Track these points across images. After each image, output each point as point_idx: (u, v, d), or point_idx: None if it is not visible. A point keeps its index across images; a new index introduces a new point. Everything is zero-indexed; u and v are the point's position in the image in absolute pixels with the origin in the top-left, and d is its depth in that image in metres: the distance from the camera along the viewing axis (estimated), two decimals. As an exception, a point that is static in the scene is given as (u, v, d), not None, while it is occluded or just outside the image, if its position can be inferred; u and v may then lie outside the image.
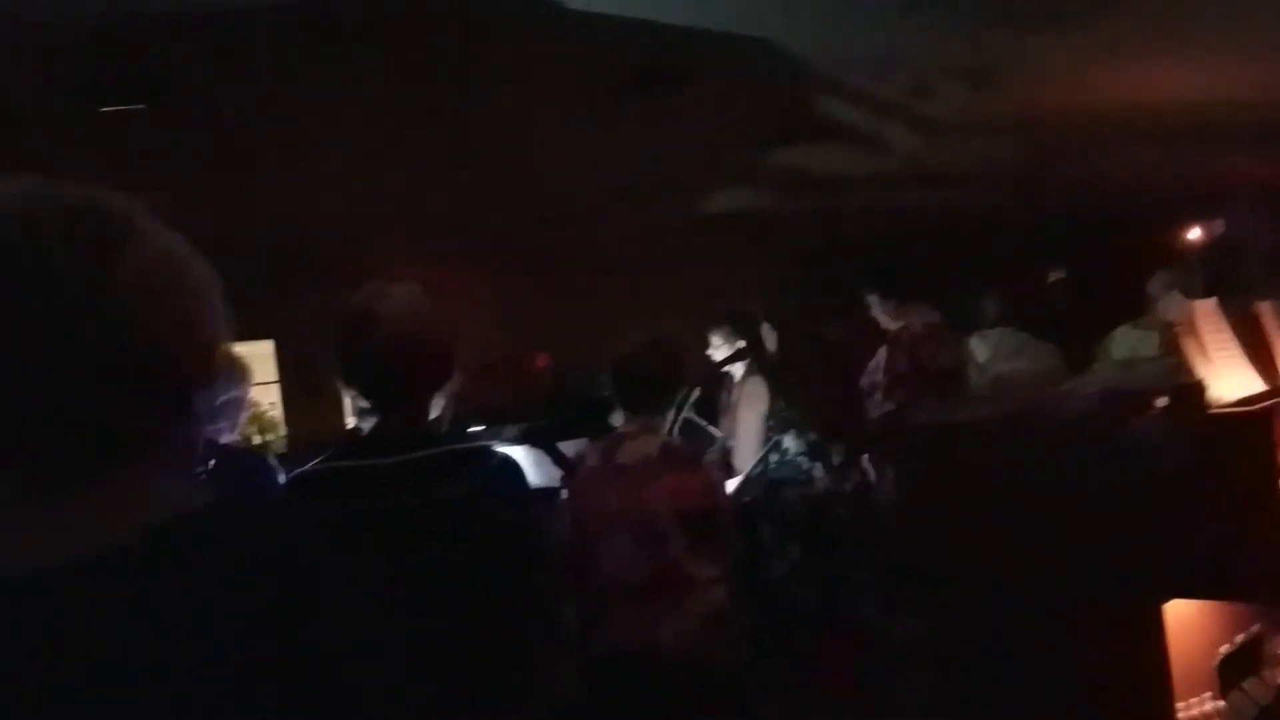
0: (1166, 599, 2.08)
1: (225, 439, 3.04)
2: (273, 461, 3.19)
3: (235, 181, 5.63)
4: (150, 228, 0.96)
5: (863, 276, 4.28)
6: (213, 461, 2.65)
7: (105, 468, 0.93)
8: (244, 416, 3.31)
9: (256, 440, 6.77)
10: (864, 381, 4.08)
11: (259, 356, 7.22)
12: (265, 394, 7.38)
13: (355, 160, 5.84)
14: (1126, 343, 4.41)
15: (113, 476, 0.93)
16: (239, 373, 3.14)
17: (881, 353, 4.01)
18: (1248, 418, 2.12)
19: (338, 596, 0.95)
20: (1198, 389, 2.12)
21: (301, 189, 6.11)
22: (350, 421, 7.31)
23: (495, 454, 2.04)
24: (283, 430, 7.55)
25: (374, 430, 1.99)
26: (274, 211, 6.27)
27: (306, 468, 1.99)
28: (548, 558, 2.19)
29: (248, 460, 3.08)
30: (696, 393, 5.04)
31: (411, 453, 1.91)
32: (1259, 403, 2.23)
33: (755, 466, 4.68)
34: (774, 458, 4.61)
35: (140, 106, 4.39)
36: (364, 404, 2.01)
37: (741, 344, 5.13)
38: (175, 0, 3.75)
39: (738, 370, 5.19)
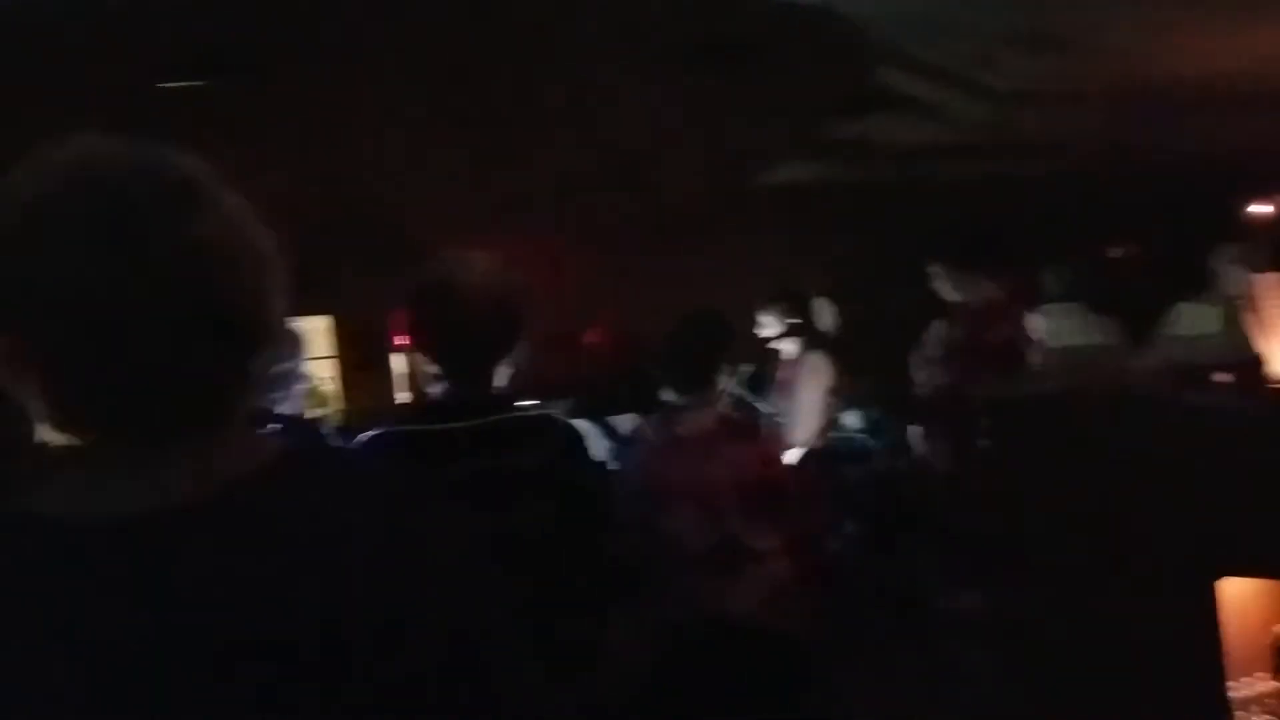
0: (1222, 576, 2.05)
1: (281, 409, 3.09)
2: (327, 431, 3.24)
3: (293, 157, 5.70)
4: (222, 191, 0.98)
5: (926, 249, 4.22)
6: (272, 426, 2.70)
7: (187, 426, 0.95)
8: (301, 388, 3.36)
9: (313, 414, 6.89)
10: (919, 356, 4.03)
11: (317, 332, 7.33)
12: (323, 369, 7.49)
13: (413, 135, 5.88)
14: (1190, 318, 4.30)
15: (194, 434, 0.96)
16: (294, 343, 3.20)
17: (938, 327, 3.96)
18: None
19: (424, 551, 0.98)
20: (1258, 363, 2.07)
21: (361, 164, 6.18)
22: (401, 397, 7.43)
23: (560, 420, 2.14)
24: (340, 404, 7.67)
25: (444, 395, 2.06)
26: (334, 187, 6.34)
27: (380, 430, 2.04)
28: (619, 522, 2.26)
29: (304, 429, 3.13)
30: (749, 370, 5.03)
31: (482, 418, 1.97)
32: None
33: (815, 440, 4.66)
34: (833, 435, 4.59)
35: (198, 83, 4.46)
36: (435, 370, 2.06)
37: (795, 320, 5.10)
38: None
39: (789, 347, 5.16)
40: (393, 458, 1.96)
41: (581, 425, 4.08)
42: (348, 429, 4.65)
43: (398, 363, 7.52)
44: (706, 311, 3.16)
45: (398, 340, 7.17)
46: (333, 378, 7.72)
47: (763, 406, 4.92)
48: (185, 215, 0.93)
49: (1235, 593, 2.08)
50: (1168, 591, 2.07)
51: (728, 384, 3.17)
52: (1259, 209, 9.71)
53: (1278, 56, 6.27)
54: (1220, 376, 2.09)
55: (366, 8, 4.24)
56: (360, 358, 7.66)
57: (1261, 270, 2.87)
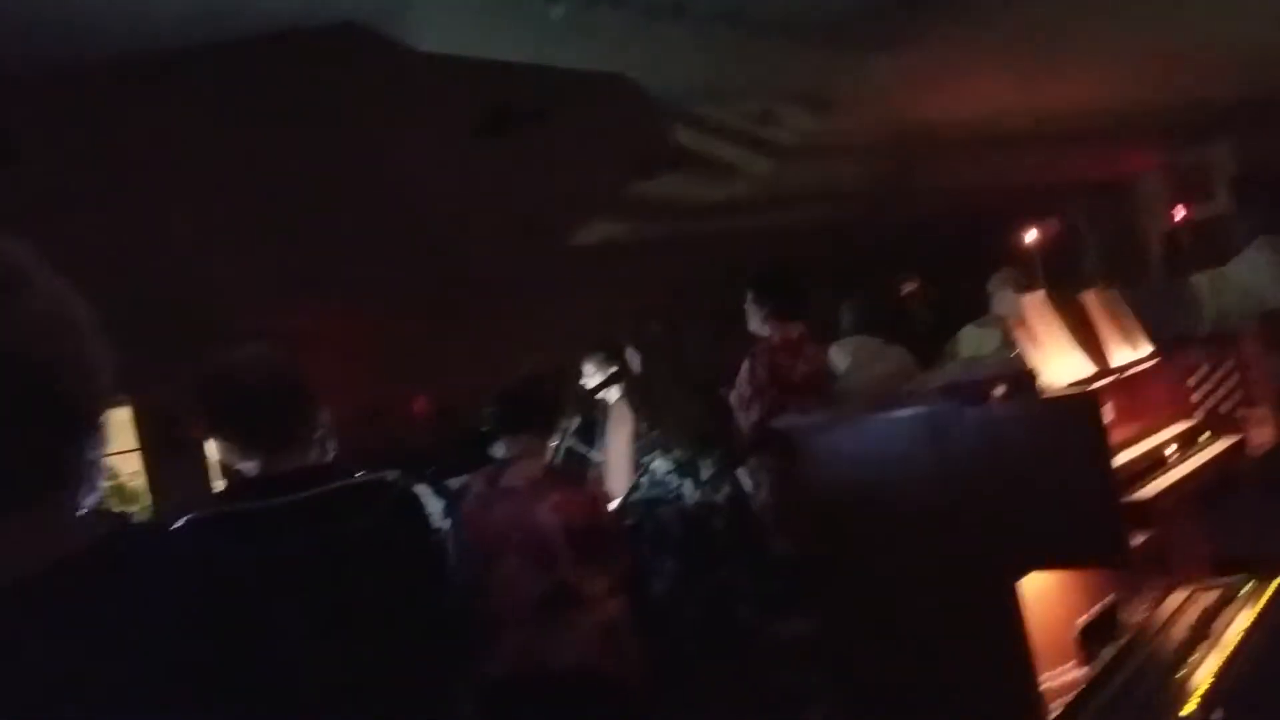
0: (1020, 574, 2.19)
1: (86, 504, 2.93)
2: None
3: (89, 242, 5.45)
4: (43, 273, 0.98)
5: (726, 294, 4.41)
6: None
7: (10, 504, 0.93)
8: (103, 482, 3.20)
9: (119, 511, 6.50)
10: (731, 395, 4.21)
11: (116, 423, 6.94)
12: (126, 463, 7.10)
13: (216, 215, 5.73)
14: (971, 341, 4.66)
15: (15, 513, 0.93)
16: (104, 424, 3.05)
17: (744, 367, 4.14)
18: (1078, 399, 2.28)
19: (247, 630, 0.97)
20: (1030, 377, 2.27)
21: (164, 246, 5.96)
22: (217, 485, 7.10)
23: (393, 485, 2.12)
24: (147, 500, 7.26)
25: (259, 474, 2.03)
26: (131, 270, 6.08)
27: (201, 512, 2.00)
28: (451, 583, 2.25)
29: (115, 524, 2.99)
30: (576, 421, 5.10)
31: (305, 490, 1.95)
32: (1088, 385, 2.41)
33: (630, 490, 4.75)
34: (644, 480, 4.68)
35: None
36: (238, 453, 2.04)
37: (613, 369, 5.22)
38: (25, 61, 3.67)
39: (611, 395, 5.27)
40: (215, 539, 1.89)
41: (415, 488, 4.05)
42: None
43: (211, 448, 7.20)
44: (532, 367, 3.23)
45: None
46: (137, 472, 7.33)
47: (593, 455, 4.99)
48: (13, 295, 0.93)
49: (1038, 588, 2.22)
50: (973, 595, 2.22)
51: (558, 435, 3.24)
52: (1022, 235, 10.62)
53: (1038, 97, 6.92)
54: (999, 391, 2.27)
55: (166, 92, 4.16)
56: (167, 446, 7.31)
57: (1027, 291, 3.16)
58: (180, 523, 1.98)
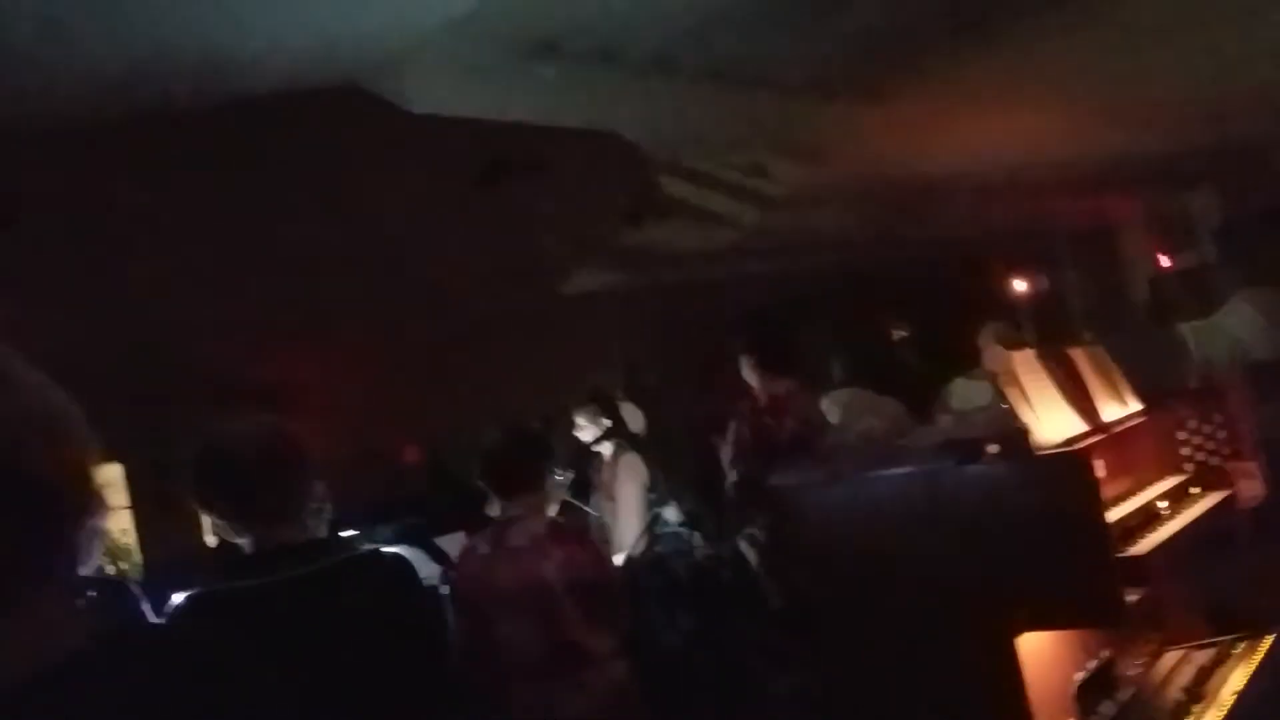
0: (1018, 632, 2.21)
1: (83, 569, 2.93)
2: (135, 589, 3.10)
3: (73, 300, 5.48)
4: (19, 368, 0.98)
5: (718, 347, 4.45)
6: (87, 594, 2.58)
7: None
8: (99, 545, 3.19)
9: (111, 569, 6.45)
10: (722, 452, 4.23)
11: (109, 481, 6.88)
12: (117, 520, 7.05)
13: (210, 272, 5.76)
14: (962, 394, 4.68)
15: (11, 610, 0.93)
16: (97, 500, 3.05)
17: (731, 426, 4.17)
18: (1071, 457, 2.30)
19: (249, 711, 0.98)
20: (1023, 434, 2.30)
21: (158, 303, 5.98)
22: (210, 540, 7.05)
23: (386, 555, 2.13)
24: (137, 557, 7.21)
25: (255, 550, 2.02)
26: (122, 326, 6.10)
27: (195, 592, 1.99)
28: (451, 650, 2.25)
29: (111, 589, 2.99)
30: (571, 475, 5.11)
31: (303, 567, 1.94)
32: (1079, 442, 2.44)
33: (640, 540, 4.76)
34: (656, 530, 4.69)
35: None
36: (233, 530, 2.04)
37: (607, 423, 5.23)
38: (25, 121, 3.71)
39: (607, 449, 5.28)
40: (211, 623, 1.89)
41: (407, 553, 4.04)
42: (155, 583, 4.40)
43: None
44: (527, 421, 3.24)
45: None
46: (126, 529, 7.27)
47: (590, 510, 5.00)
48: None
49: (1035, 645, 2.23)
50: (971, 652, 2.23)
51: (554, 490, 3.24)
52: (1010, 285, 10.70)
53: (1025, 148, 7.02)
54: (992, 447, 2.30)
55: (155, 149, 4.20)
56: (158, 502, 7.26)
57: (1018, 346, 3.20)
58: (179, 601, 1.97)
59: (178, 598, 1.99)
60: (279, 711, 1.02)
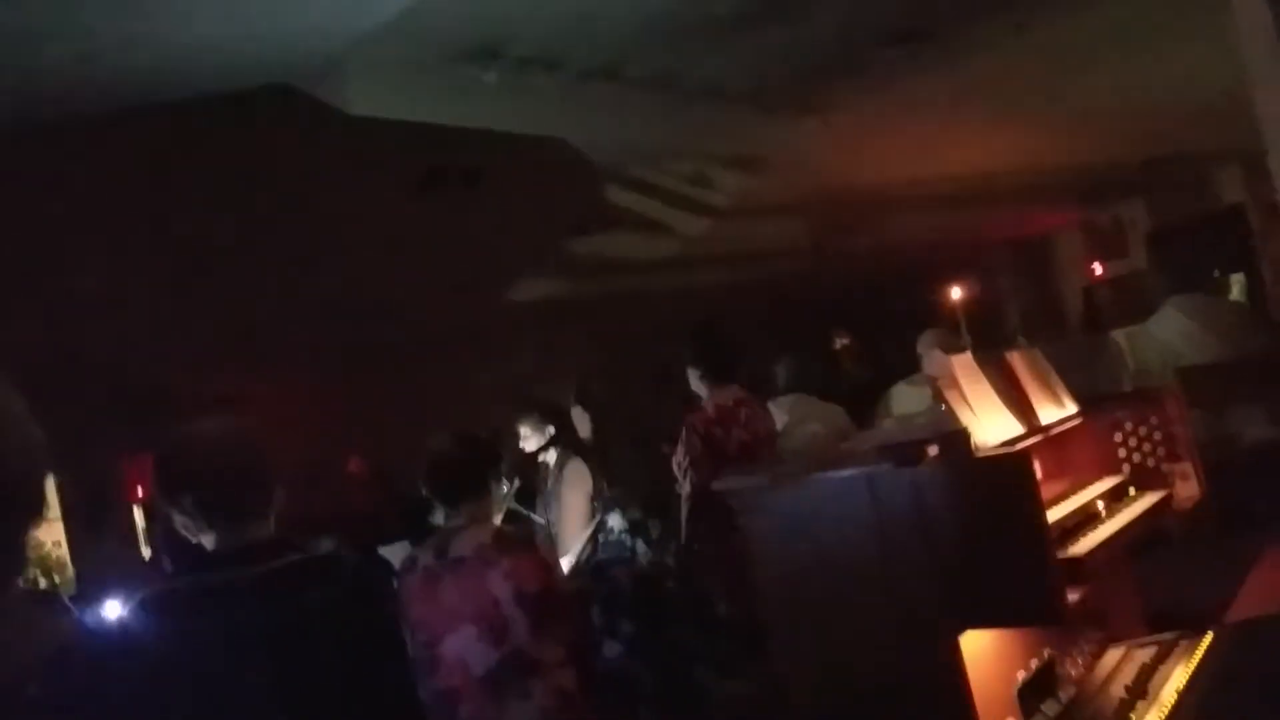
0: (960, 631, 2.23)
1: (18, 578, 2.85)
2: (68, 603, 3.03)
3: (18, 308, 5.34)
4: None
5: (682, 353, 4.45)
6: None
7: None
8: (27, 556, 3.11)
9: (43, 583, 6.29)
10: (673, 461, 4.24)
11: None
12: (48, 532, 6.87)
13: (146, 278, 5.65)
14: (903, 399, 4.75)
15: None
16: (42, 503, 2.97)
17: (681, 436, 4.18)
18: (1010, 458, 2.33)
19: (209, 704, 0.97)
20: (963, 436, 2.32)
21: (92, 310, 5.85)
22: (145, 552, 6.91)
23: (348, 558, 2.14)
24: (70, 571, 7.02)
25: (223, 547, 2.02)
26: (57, 335, 5.95)
27: (161, 586, 2.00)
28: (405, 655, 2.26)
29: (45, 603, 2.92)
30: (516, 483, 5.08)
31: (263, 565, 1.95)
32: (1018, 444, 2.47)
33: (584, 547, 4.74)
34: (600, 537, 4.68)
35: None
36: (197, 526, 2.04)
37: (551, 430, 5.22)
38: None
39: (551, 456, 5.26)
40: (173, 612, 1.89)
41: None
42: (81, 598, 4.30)
43: (139, 515, 7.01)
44: (465, 430, 3.20)
45: (139, 491, 6.72)
46: (60, 542, 7.08)
47: (536, 518, 4.97)
48: None
49: (977, 645, 2.24)
50: (914, 653, 2.25)
51: (499, 499, 3.21)
52: (948, 293, 10.86)
53: (965, 159, 7.15)
54: (932, 449, 2.32)
55: (98, 150, 4.11)
56: (92, 514, 7.08)
57: (956, 351, 3.24)
58: (145, 594, 1.97)
59: (143, 592, 1.98)
60: (244, 702, 1.01)
